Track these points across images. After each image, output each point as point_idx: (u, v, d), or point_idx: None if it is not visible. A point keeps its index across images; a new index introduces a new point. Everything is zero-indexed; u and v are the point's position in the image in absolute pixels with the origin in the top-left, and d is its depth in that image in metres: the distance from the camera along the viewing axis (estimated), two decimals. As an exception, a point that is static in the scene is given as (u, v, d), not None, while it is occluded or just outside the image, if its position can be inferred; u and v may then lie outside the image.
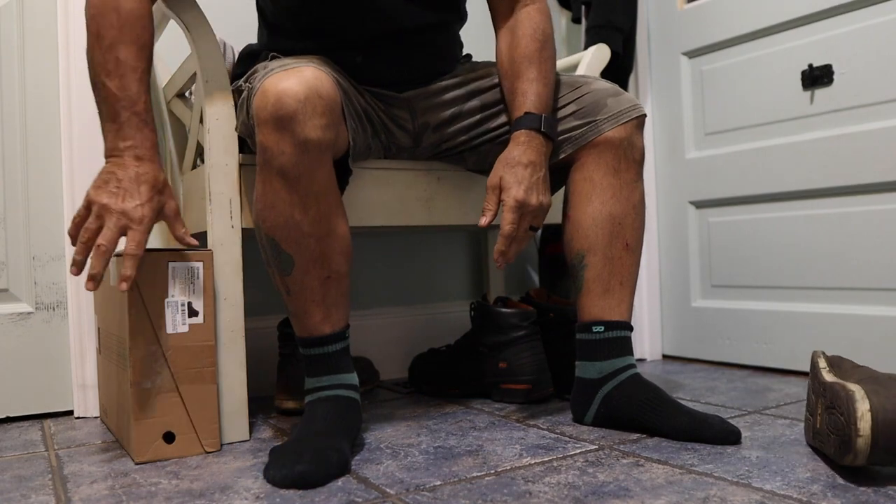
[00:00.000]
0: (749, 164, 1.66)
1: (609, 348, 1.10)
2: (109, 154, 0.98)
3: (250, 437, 1.13)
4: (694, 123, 1.81)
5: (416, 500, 0.82)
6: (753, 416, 1.18)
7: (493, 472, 0.91)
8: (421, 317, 1.75)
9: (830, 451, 0.86)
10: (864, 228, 1.46)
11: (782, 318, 1.60)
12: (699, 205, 1.80)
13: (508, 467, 0.93)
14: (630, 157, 1.11)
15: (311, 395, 1.03)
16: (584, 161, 1.12)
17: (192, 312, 1.02)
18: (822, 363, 0.97)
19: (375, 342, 1.67)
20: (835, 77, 1.50)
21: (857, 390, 0.81)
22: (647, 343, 1.87)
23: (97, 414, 1.36)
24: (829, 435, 0.86)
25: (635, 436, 1.06)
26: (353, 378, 1.05)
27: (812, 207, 1.55)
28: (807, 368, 1.53)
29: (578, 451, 1.00)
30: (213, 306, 1.05)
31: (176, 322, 1.01)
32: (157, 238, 1.44)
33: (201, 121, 1.13)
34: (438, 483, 0.87)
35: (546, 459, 0.96)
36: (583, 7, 1.76)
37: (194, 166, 1.28)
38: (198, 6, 1.11)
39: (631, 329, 1.12)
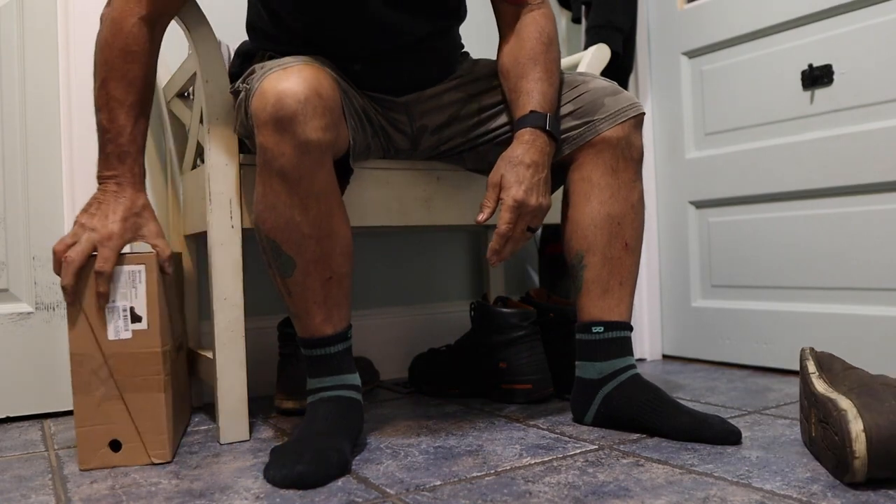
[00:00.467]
0: (749, 164, 1.66)
1: (609, 349, 1.10)
2: (98, 180, 1.03)
3: (250, 437, 1.13)
4: (694, 123, 1.81)
5: (416, 500, 0.82)
6: (753, 416, 1.18)
7: (493, 472, 0.91)
8: (421, 317, 1.75)
9: (828, 466, 0.86)
10: (864, 228, 1.46)
11: (782, 318, 1.60)
12: (699, 205, 1.80)
13: (508, 467, 0.93)
14: (628, 157, 1.11)
15: (312, 396, 1.03)
16: (582, 161, 1.12)
17: (135, 318, 0.98)
18: (812, 367, 0.97)
19: (375, 342, 1.67)
20: (835, 77, 1.50)
21: (849, 409, 0.81)
22: (647, 343, 1.87)
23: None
24: (825, 450, 0.86)
25: (635, 436, 1.06)
26: (355, 378, 1.05)
27: (812, 207, 1.55)
28: (807, 368, 1.53)
29: (578, 451, 1.00)
30: (161, 312, 1.00)
31: (118, 328, 0.98)
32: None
33: (201, 121, 1.13)
34: (438, 483, 0.87)
35: (546, 459, 0.96)
36: (583, 7, 1.76)
37: (194, 166, 1.28)
38: (198, 6, 1.11)
39: (631, 329, 1.12)
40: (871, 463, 0.78)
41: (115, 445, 0.99)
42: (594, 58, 1.54)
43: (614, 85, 1.14)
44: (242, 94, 1.03)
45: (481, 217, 1.03)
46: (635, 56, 1.83)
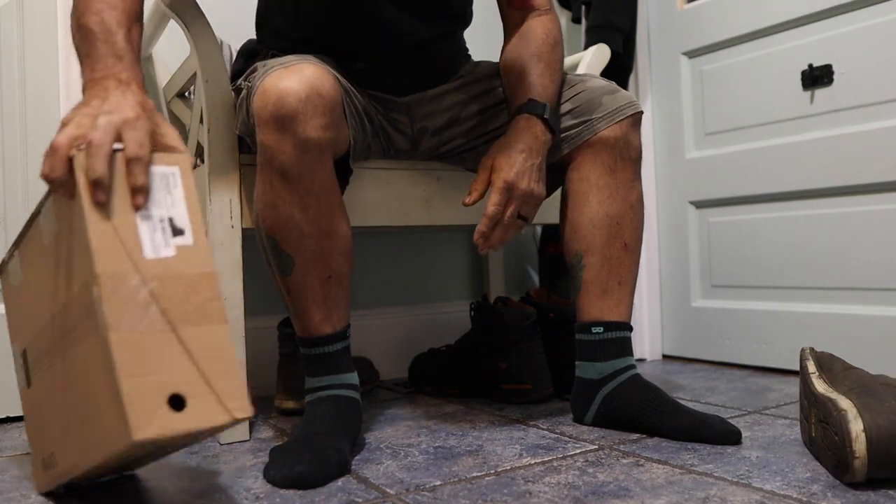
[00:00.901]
0: (749, 164, 1.66)
1: (609, 349, 1.10)
2: (86, 86, 0.78)
3: (250, 437, 1.13)
4: (694, 123, 1.81)
5: (416, 500, 0.82)
6: (753, 416, 1.18)
7: (493, 472, 0.91)
8: (421, 317, 1.75)
9: (828, 466, 0.86)
10: (864, 228, 1.46)
11: (782, 318, 1.60)
12: (699, 205, 1.80)
13: (508, 467, 0.93)
14: (626, 156, 1.11)
15: (311, 395, 1.03)
16: (580, 161, 1.12)
17: (177, 231, 0.72)
18: (812, 367, 0.97)
19: (375, 342, 1.67)
20: (835, 77, 1.50)
21: (849, 409, 0.81)
22: (647, 343, 1.87)
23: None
24: (825, 450, 0.86)
25: (635, 436, 1.06)
26: (354, 378, 1.05)
27: (812, 207, 1.55)
28: (807, 368, 1.53)
29: (578, 451, 1.00)
30: (204, 226, 0.78)
31: (157, 243, 0.71)
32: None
33: (201, 121, 1.13)
34: (438, 483, 0.87)
35: (546, 459, 0.96)
36: (583, 7, 1.76)
37: (194, 166, 1.28)
38: (198, 6, 1.11)
39: (630, 329, 1.12)
40: (871, 463, 0.78)
41: (178, 402, 0.68)
42: (594, 58, 1.54)
43: (612, 84, 1.14)
44: (244, 91, 1.03)
45: (468, 199, 1.03)
46: (635, 56, 1.83)
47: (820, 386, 0.92)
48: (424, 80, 1.18)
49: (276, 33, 1.16)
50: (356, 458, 1.00)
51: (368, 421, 1.22)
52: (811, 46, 1.54)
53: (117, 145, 0.71)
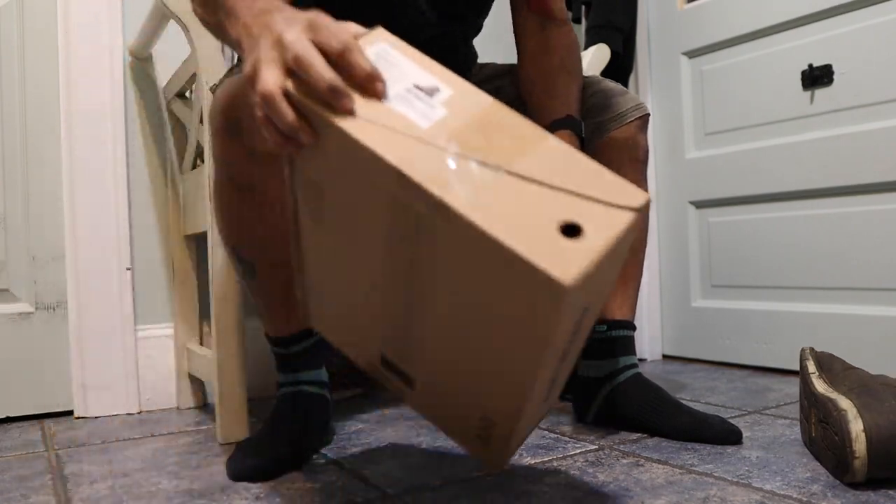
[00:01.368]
0: (749, 164, 1.66)
1: (611, 347, 1.10)
2: (240, 40, 0.68)
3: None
4: (694, 123, 1.81)
5: (416, 500, 0.82)
6: (753, 416, 1.18)
7: (493, 472, 0.91)
8: (421, 317, 1.75)
9: (828, 466, 0.86)
10: (864, 228, 1.46)
11: (782, 318, 1.60)
12: (699, 205, 1.80)
13: (508, 467, 0.93)
14: (634, 157, 1.11)
15: (279, 391, 1.05)
16: None
17: (430, 91, 0.62)
18: (812, 367, 0.97)
19: (375, 342, 1.67)
20: (835, 77, 1.50)
21: (849, 409, 0.81)
22: (647, 343, 1.87)
23: (97, 414, 1.36)
24: (825, 450, 0.86)
25: (635, 436, 1.06)
26: (320, 374, 1.06)
27: (812, 207, 1.55)
28: (807, 368, 1.53)
29: (578, 451, 1.00)
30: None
31: (424, 112, 0.60)
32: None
33: (201, 121, 1.13)
34: (438, 483, 0.87)
35: (546, 459, 0.96)
36: (583, 7, 1.76)
37: (194, 166, 1.28)
38: (198, 6, 1.11)
39: (633, 328, 1.12)
40: (871, 463, 0.78)
41: (571, 230, 0.56)
42: (594, 58, 1.54)
43: (620, 86, 1.14)
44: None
45: None
46: (635, 56, 1.83)
47: (820, 386, 0.92)
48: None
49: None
50: (356, 457, 1.00)
51: (368, 421, 1.22)
52: (811, 46, 1.54)
53: None
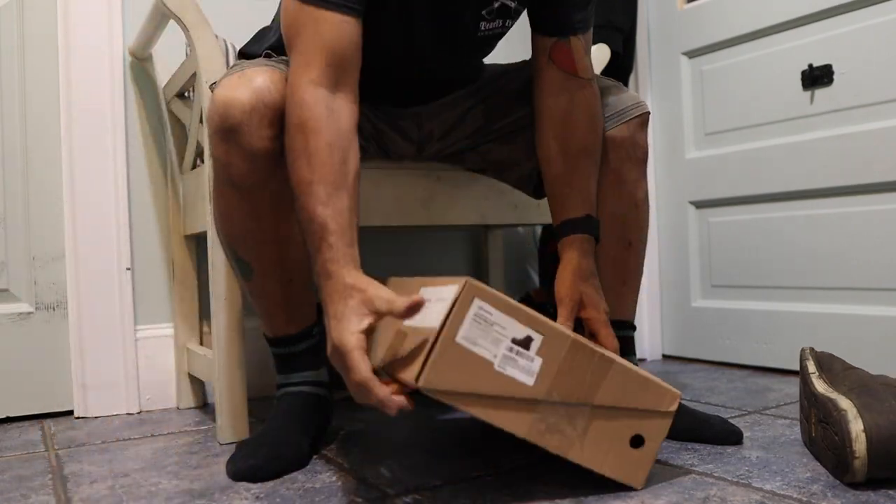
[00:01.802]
0: (749, 164, 1.66)
1: (612, 347, 1.10)
2: (324, 289, 0.79)
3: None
4: (694, 123, 1.81)
5: (416, 500, 0.82)
6: (753, 416, 1.18)
7: (493, 472, 0.91)
8: (421, 317, 1.75)
9: (828, 466, 0.86)
10: (864, 228, 1.46)
11: (782, 318, 1.60)
12: (699, 205, 1.80)
13: (508, 467, 0.93)
14: (633, 156, 1.10)
15: (278, 392, 1.06)
16: None
17: (524, 343, 0.75)
18: (812, 367, 0.97)
19: (375, 342, 1.67)
20: (835, 77, 1.50)
21: (849, 409, 0.81)
22: (647, 343, 1.87)
23: (97, 414, 1.36)
24: (825, 450, 0.86)
25: (635, 436, 1.06)
26: (321, 375, 1.06)
27: (812, 207, 1.55)
28: (807, 368, 1.53)
29: (578, 451, 1.00)
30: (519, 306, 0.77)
31: (523, 369, 0.75)
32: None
33: (201, 121, 1.13)
34: (438, 483, 0.87)
35: (546, 459, 0.96)
36: (583, 7, 1.76)
37: (194, 166, 1.28)
38: (198, 6, 1.11)
39: (634, 328, 1.12)
40: (871, 463, 0.78)
41: (636, 441, 0.81)
42: (594, 58, 1.54)
43: (618, 84, 1.13)
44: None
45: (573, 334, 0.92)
46: (635, 56, 1.84)
47: (820, 386, 0.92)
48: (440, 95, 1.16)
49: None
50: (357, 457, 1.00)
51: (369, 421, 1.23)
52: (811, 46, 1.54)
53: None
